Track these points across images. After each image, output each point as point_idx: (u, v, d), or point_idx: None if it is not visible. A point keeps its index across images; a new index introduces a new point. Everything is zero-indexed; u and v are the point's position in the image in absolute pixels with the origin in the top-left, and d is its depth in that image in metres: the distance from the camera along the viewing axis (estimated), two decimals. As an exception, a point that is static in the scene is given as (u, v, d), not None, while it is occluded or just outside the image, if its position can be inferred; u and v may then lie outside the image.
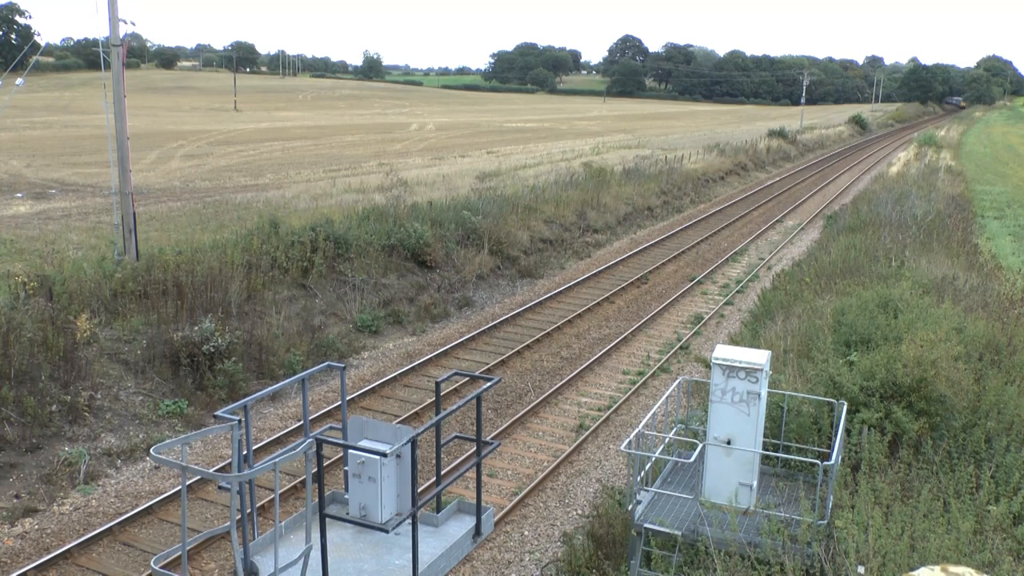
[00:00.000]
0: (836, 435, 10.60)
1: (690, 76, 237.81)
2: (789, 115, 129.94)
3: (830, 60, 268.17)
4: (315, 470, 7.16)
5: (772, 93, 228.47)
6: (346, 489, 7.98)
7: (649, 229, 39.31)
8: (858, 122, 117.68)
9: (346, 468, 7.81)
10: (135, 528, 13.12)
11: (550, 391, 18.85)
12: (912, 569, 6.92)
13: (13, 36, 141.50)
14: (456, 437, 9.06)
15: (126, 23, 18.90)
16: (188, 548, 8.15)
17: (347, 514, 7.68)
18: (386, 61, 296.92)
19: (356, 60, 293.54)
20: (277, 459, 6.26)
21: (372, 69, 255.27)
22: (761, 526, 9.88)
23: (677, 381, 12.23)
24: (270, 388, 8.14)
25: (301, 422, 14.36)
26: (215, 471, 13.26)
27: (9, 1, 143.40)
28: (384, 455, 7.20)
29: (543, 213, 33.44)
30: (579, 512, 14.14)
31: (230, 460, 14.58)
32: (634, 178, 43.98)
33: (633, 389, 19.29)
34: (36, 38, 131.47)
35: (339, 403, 13.16)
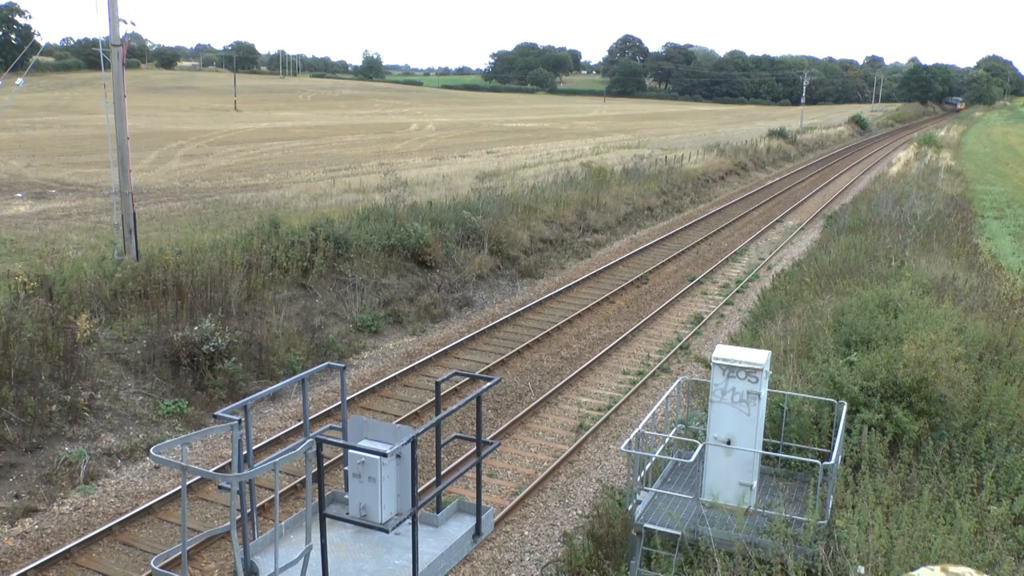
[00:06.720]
0: (836, 435, 10.60)
1: (690, 76, 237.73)
2: (789, 115, 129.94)
3: (830, 60, 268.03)
4: (315, 470, 7.16)
5: (772, 93, 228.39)
6: (346, 489, 7.97)
7: (649, 229, 39.30)
8: (858, 122, 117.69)
9: (346, 468, 7.80)
10: (135, 528, 13.12)
11: (550, 391, 18.84)
12: (912, 569, 6.92)
13: (13, 36, 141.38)
14: (456, 437, 9.06)
15: (126, 23, 18.90)
16: (188, 548, 8.15)
17: (347, 514, 7.68)
18: (386, 61, 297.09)
19: (356, 60, 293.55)
20: (277, 459, 6.25)
21: (372, 69, 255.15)
22: (761, 526, 9.89)
23: (677, 381, 12.22)
24: (270, 388, 8.13)
25: (301, 422, 14.36)
26: (215, 471, 13.26)
27: (9, 1, 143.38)
28: (384, 455, 7.20)
29: (543, 213, 33.43)
30: (579, 512, 14.14)
31: (230, 460, 14.57)
32: (634, 178, 43.98)
33: (633, 389, 19.29)
34: (36, 38, 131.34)
35: (339, 403, 13.16)
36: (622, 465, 15.78)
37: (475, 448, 11.99)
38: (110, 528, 12.88)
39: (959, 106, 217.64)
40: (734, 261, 33.64)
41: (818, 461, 10.06)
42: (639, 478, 10.49)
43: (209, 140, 64.43)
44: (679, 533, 10.00)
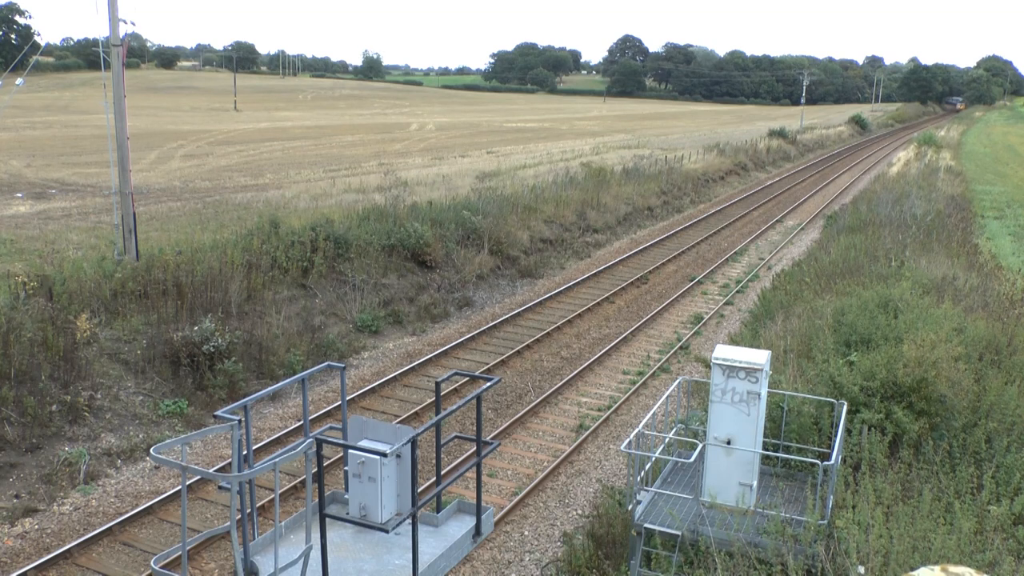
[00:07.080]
0: (836, 435, 10.60)
1: (690, 76, 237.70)
2: (789, 115, 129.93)
3: (830, 60, 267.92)
4: (315, 470, 7.16)
5: (772, 93, 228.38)
6: (346, 489, 7.97)
7: (649, 229, 39.30)
8: (858, 122, 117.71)
9: (346, 468, 7.80)
10: (135, 528, 13.12)
11: (550, 391, 18.84)
12: (912, 569, 6.92)
13: (13, 36, 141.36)
14: (456, 437, 9.06)
15: (126, 23, 18.90)
16: (188, 548, 8.15)
17: (347, 514, 7.68)
18: (386, 61, 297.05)
19: (356, 60, 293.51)
20: (277, 459, 6.25)
21: (372, 69, 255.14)
22: (761, 526, 9.89)
23: (677, 381, 12.22)
24: (270, 388, 8.13)
25: (301, 422, 14.36)
26: (215, 471, 13.26)
27: (9, 1, 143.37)
28: (384, 455, 7.20)
29: (543, 213, 33.43)
30: (579, 512, 14.14)
31: (230, 460, 14.57)
32: (634, 178, 43.98)
33: (633, 389, 19.29)
34: (36, 38, 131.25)
35: (339, 403, 13.16)
36: (622, 465, 15.78)
37: (475, 448, 11.99)
38: (110, 528, 12.88)
39: (959, 106, 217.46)
40: (734, 261, 33.64)
41: (818, 461, 10.06)
42: (639, 478, 10.49)
43: (209, 140, 64.43)
44: (679, 533, 10.00)
